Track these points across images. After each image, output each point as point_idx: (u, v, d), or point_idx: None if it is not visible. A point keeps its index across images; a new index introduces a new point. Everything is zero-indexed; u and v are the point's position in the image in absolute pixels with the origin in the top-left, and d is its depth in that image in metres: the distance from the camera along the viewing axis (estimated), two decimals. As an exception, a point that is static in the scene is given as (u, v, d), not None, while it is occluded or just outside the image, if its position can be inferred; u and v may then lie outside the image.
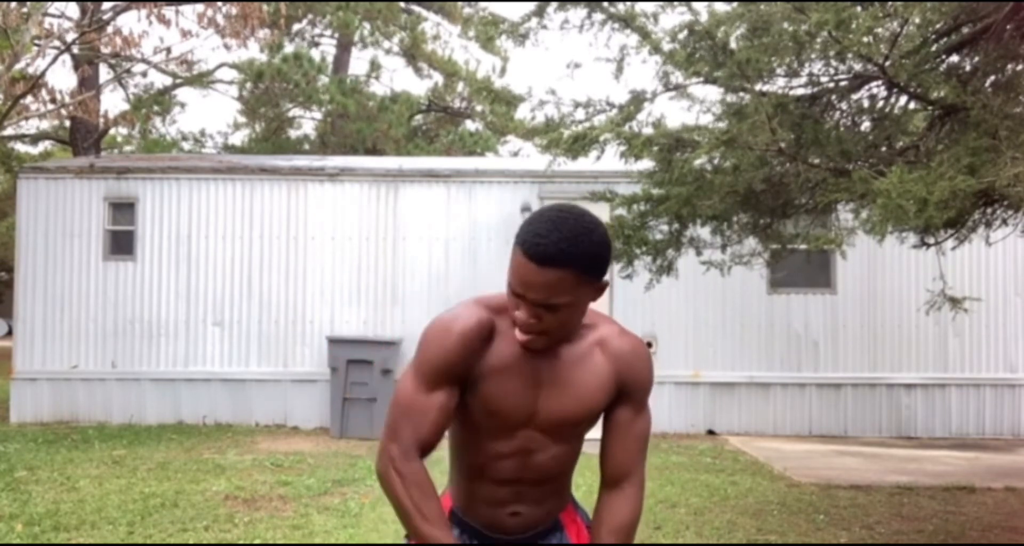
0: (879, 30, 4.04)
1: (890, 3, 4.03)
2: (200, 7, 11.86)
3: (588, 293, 1.61)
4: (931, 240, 5.07)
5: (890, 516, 5.68)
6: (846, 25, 3.68)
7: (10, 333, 17.37)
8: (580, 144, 4.77)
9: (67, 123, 16.06)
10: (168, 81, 18.44)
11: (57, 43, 11.64)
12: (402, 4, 20.21)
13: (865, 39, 3.77)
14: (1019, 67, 4.18)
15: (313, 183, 9.91)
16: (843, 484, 6.67)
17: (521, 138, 20.19)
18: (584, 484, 6.19)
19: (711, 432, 9.46)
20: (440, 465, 1.85)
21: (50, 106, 11.23)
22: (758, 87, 4.24)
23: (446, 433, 1.74)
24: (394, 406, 1.70)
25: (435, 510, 1.62)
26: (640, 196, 5.41)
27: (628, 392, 1.75)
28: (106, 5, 13.83)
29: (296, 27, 20.06)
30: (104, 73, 16.83)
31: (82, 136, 15.60)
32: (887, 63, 3.89)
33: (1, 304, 26.55)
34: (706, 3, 4.75)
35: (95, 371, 9.66)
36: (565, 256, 1.53)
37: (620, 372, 1.73)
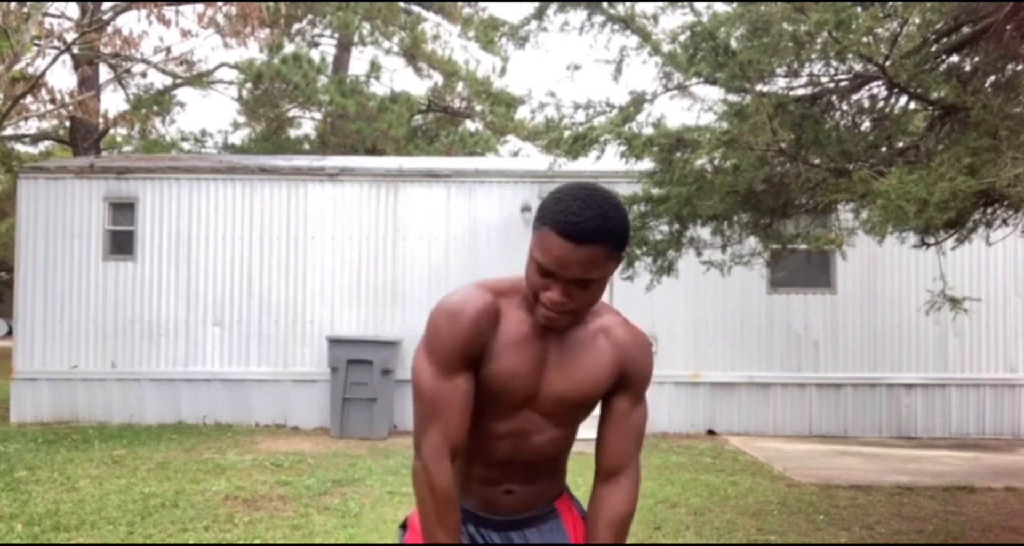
0: (879, 30, 4.04)
1: (890, 3, 4.03)
2: (200, 7, 11.87)
3: (613, 268, 1.64)
4: (931, 240, 5.07)
5: (890, 516, 5.68)
6: (846, 25, 3.68)
7: (10, 333, 17.37)
8: (580, 144, 4.78)
9: (67, 123, 16.06)
10: (168, 81, 18.43)
11: (57, 43, 11.65)
12: (402, 4, 20.21)
13: (865, 39, 3.77)
14: (1019, 67, 4.18)
15: (313, 183, 9.91)
16: (843, 484, 6.68)
17: (521, 138, 20.19)
18: (584, 483, 6.20)
19: (711, 432, 9.47)
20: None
21: (50, 106, 11.24)
22: (759, 87, 4.24)
23: None
24: (419, 399, 1.70)
25: (452, 523, 1.66)
26: (640, 196, 5.41)
27: (628, 381, 1.77)
28: (106, 5, 13.84)
29: (296, 27, 20.06)
30: (104, 73, 16.83)
31: (82, 136, 15.60)
32: (887, 63, 3.89)
33: (1, 304, 26.55)
34: (706, 4, 4.75)
35: (95, 371, 9.66)
36: (601, 232, 1.55)
37: (622, 360, 1.75)
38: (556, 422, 1.76)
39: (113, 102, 40.89)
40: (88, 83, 14.72)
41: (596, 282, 1.61)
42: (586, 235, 1.54)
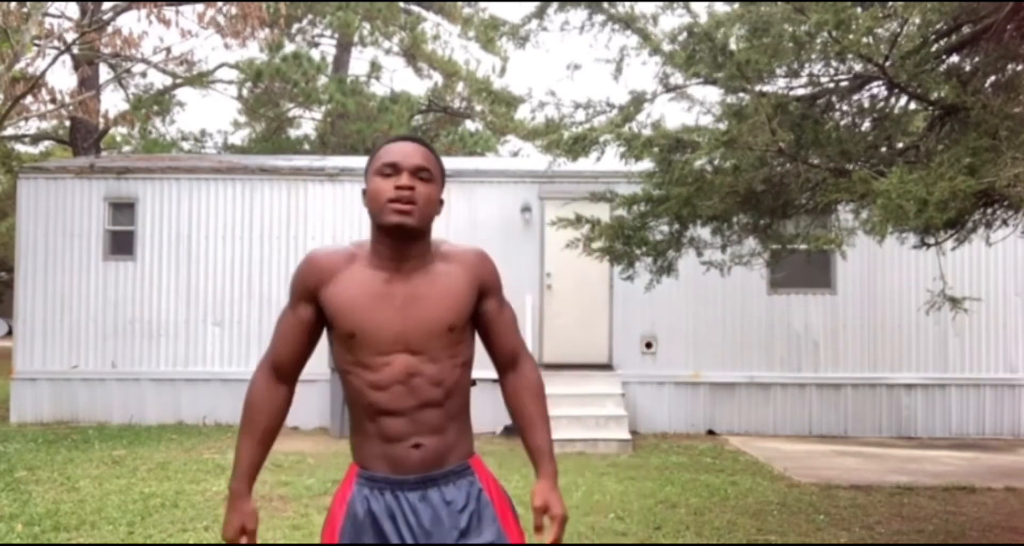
0: (879, 30, 4.03)
1: (890, 3, 4.03)
2: (200, 7, 11.87)
3: (440, 189, 1.92)
4: (931, 240, 5.07)
5: (890, 516, 5.68)
6: (846, 26, 3.68)
7: (10, 333, 17.38)
8: (580, 145, 4.78)
9: (67, 123, 16.06)
10: (168, 81, 18.44)
11: (57, 43, 11.65)
12: (402, 4, 20.21)
13: (865, 39, 3.76)
14: (1019, 67, 4.18)
15: (313, 183, 9.91)
16: (843, 484, 6.67)
17: (521, 138, 20.18)
18: (584, 484, 6.20)
19: (711, 432, 9.47)
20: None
21: (50, 106, 11.24)
22: (758, 88, 4.24)
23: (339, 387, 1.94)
24: None
25: (252, 429, 2.02)
26: (640, 196, 5.40)
27: (487, 289, 1.96)
28: (106, 5, 13.84)
29: (296, 27, 20.06)
30: (104, 73, 16.83)
31: (82, 136, 15.60)
32: (887, 63, 3.89)
33: (1, 304, 26.56)
34: (706, 4, 4.76)
35: (95, 371, 9.66)
36: (424, 141, 1.94)
37: (475, 275, 1.94)
38: (431, 356, 1.85)
39: (113, 102, 40.86)
40: (88, 83, 14.73)
41: (432, 183, 1.87)
42: (410, 138, 1.93)
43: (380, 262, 1.88)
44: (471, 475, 1.91)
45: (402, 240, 1.86)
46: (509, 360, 2.02)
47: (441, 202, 1.94)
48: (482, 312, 1.97)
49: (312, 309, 1.90)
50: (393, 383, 1.83)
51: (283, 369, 1.95)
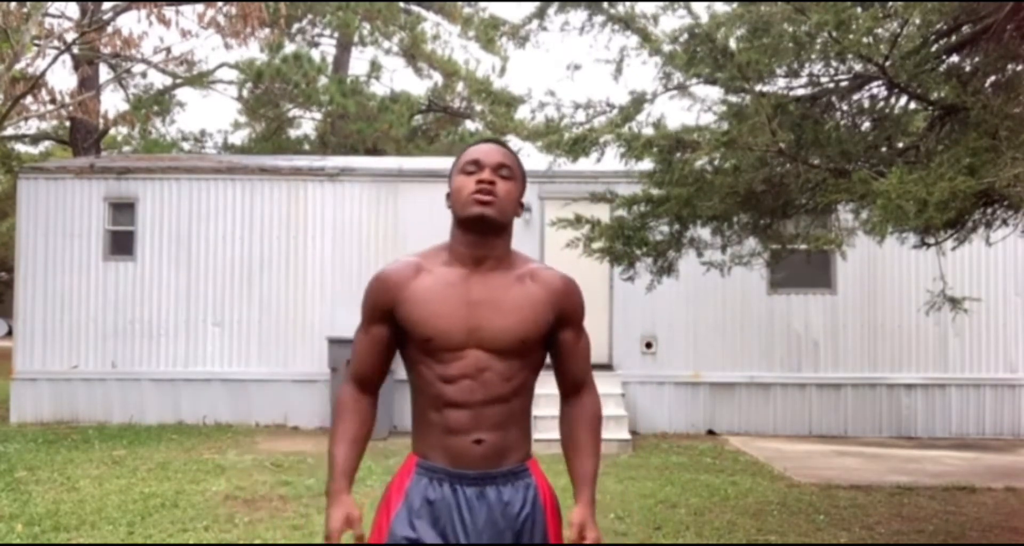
0: (879, 30, 4.03)
1: (890, 3, 4.03)
2: (200, 7, 11.87)
3: (520, 191, 1.96)
4: (931, 240, 5.07)
5: (890, 516, 5.68)
6: (846, 26, 3.68)
7: (10, 333, 17.37)
8: (580, 145, 4.77)
9: (67, 123, 16.06)
10: (168, 81, 18.43)
11: (57, 43, 11.65)
12: (402, 4, 20.20)
13: (865, 40, 3.76)
14: (1019, 67, 4.18)
15: (313, 183, 9.91)
16: (843, 484, 6.68)
17: (521, 139, 20.15)
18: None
19: (711, 432, 9.47)
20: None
21: (50, 106, 11.24)
22: (758, 88, 4.24)
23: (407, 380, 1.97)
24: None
25: (343, 431, 1.97)
26: (640, 197, 5.40)
27: (567, 318, 1.98)
28: (106, 5, 13.84)
29: (296, 27, 20.05)
30: (104, 73, 16.82)
31: (82, 136, 15.59)
32: (887, 63, 3.88)
33: (1, 304, 26.56)
34: (706, 4, 4.76)
35: (95, 371, 9.66)
36: (507, 145, 2.00)
37: (556, 301, 1.95)
38: (502, 357, 1.87)
39: (113, 102, 40.87)
40: (88, 83, 14.72)
41: (512, 181, 1.91)
42: (492, 140, 2.01)
43: (458, 261, 1.91)
44: (529, 477, 1.92)
45: (482, 234, 1.88)
46: (573, 388, 2.04)
47: (523, 205, 1.98)
48: (558, 340, 1.99)
49: (386, 327, 1.94)
50: (462, 377, 1.86)
51: (366, 382, 2.00)
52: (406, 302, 1.89)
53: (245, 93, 19.36)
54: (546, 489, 1.95)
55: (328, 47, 21.01)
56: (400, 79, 53.15)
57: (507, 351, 1.87)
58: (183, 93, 21.64)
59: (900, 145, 4.61)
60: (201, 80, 17.55)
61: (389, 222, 9.80)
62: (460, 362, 1.86)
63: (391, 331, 1.94)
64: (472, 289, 1.88)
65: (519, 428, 1.94)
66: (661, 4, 4.60)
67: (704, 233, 5.49)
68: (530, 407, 1.98)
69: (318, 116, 20.75)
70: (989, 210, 4.63)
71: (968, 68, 4.31)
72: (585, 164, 5.39)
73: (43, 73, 10.81)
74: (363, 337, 1.98)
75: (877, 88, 4.56)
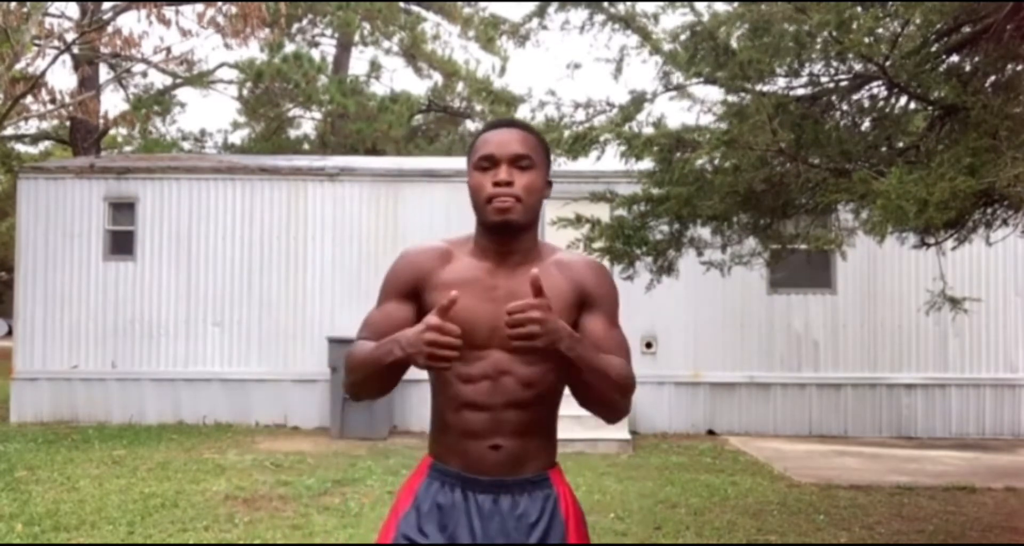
0: (880, 30, 4.03)
1: (891, 3, 4.03)
2: (200, 7, 11.88)
3: (544, 173, 1.81)
4: (931, 240, 5.06)
5: (890, 516, 5.68)
6: (847, 25, 3.68)
7: (10, 333, 17.36)
8: (580, 144, 4.77)
9: (67, 123, 16.05)
10: (168, 81, 18.43)
11: (57, 43, 11.65)
12: (402, 4, 20.21)
13: (866, 39, 3.76)
14: (1019, 67, 4.18)
15: (313, 183, 9.91)
16: (843, 484, 6.68)
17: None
18: (584, 484, 6.20)
19: (711, 432, 9.47)
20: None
21: (50, 106, 11.24)
22: (759, 87, 4.24)
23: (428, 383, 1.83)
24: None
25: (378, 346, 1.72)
26: (640, 196, 5.39)
27: (592, 302, 1.81)
28: (106, 5, 13.84)
29: (296, 27, 20.06)
30: (104, 73, 16.83)
31: (82, 136, 15.59)
32: (887, 63, 3.88)
33: (1, 304, 26.56)
34: (707, 3, 4.75)
35: (95, 371, 9.66)
36: (517, 123, 1.85)
37: (578, 284, 1.81)
38: (525, 360, 1.73)
39: (113, 102, 40.93)
40: (88, 83, 14.72)
41: (532, 171, 1.76)
42: (506, 123, 1.84)
43: (483, 254, 1.81)
44: (549, 488, 1.80)
45: (506, 236, 1.78)
46: None
47: (549, 184, 1.83)
48: (584, 328, 1.78)
49: (408, 307, 1.81)
50: (482, 378, 1.75)
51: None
52: (435, 289, 1.78)
53: (245, 93, 19.38)
54: (569, 500, 1.82)
55: (328, 47, 21.05)
56: (400, 79, 53.19)
57: (528, 351, 1.67)
58: (183, 93, 21.66)
59: (900, 145, 4.60)
60: (201, 80, 17.55)
61: (389, 222, 9.80)
62: (481, 362, 1.75)
63: (411, 311, 1.80)
64: (499, 286, 1.77)
65: (542, 436, 1.82)
66: (662, 3, 4.60)
67: (704, 233, 5.49)
68: (556, 414, 1.85)
69: (318, 116, 20.77)
70: (989, 210, 4.62)
71: (968, 68, 4.31)
72: (585, 163, 5.39)
73: (43, 73, 10.82)
74: (378, 313, 1.84)
75: (877, 88, 4.56)
